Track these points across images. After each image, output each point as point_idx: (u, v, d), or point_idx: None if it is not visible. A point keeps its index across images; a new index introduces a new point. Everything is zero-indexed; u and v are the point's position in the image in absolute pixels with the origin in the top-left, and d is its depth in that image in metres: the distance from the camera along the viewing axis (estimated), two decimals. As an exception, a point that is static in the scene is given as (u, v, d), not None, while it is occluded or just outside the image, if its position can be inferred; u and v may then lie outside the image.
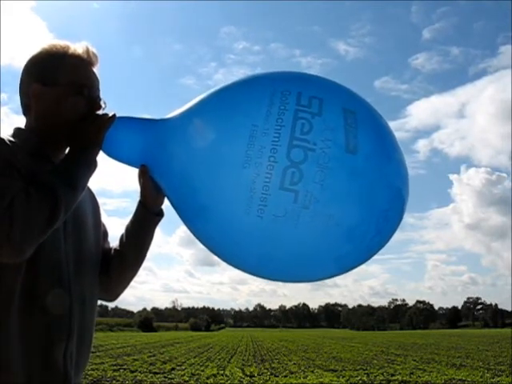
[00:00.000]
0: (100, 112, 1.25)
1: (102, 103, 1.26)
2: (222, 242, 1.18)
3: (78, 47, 1.27)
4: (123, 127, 1.23)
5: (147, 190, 1.27)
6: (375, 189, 1.11)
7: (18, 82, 1.26)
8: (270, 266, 1.18)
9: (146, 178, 1.25)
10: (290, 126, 1.07)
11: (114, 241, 1.41)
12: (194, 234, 1.22)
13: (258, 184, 1.06)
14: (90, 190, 1.38)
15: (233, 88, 1.20)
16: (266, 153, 1.06)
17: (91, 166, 1.17)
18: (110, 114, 1.22)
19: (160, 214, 1.34)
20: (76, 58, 1.25)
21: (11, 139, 1.15)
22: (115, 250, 1.38)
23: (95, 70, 1.28)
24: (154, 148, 1.22)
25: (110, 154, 1.24)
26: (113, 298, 1.44)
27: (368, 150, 1.11)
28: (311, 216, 1.06)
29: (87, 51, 1.27)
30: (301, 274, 1.22)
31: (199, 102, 1.20)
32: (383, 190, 1.13)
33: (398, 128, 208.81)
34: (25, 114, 1.25)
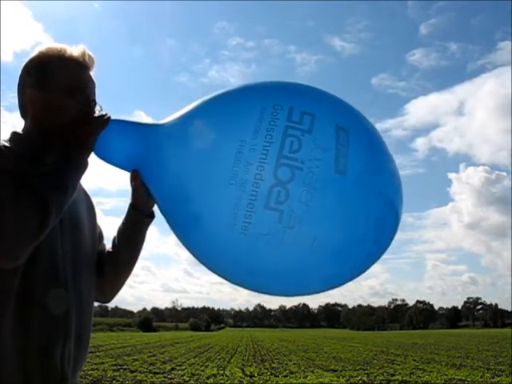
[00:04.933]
0: (95, 115, 1.24)
1: (97, 106, 1.26)
2: (206, 253, 1.17)
3: (74, 50, 1.26)
4: (116, 130, 1.22)
5: (138, 193, 1.28)
6: (366, 204, 1.08)
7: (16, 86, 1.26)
8: (253, 280, 1.17)
9: (137, 183, 1.25)
10: (278, 143, 1.04)
11: (110, 241, 1.41)
12: (181, 242, 1.21)
13: (243, 201, 1.04)
14: (84, 191, 1.38)
15: (225, 99, 1.18)
16: (252, 170, 1.04)
17: (81, 168, 1.17)
18: (105, 117, 1.22)
19: (151, 216, 1.34)
20: (71, 61, 1.24)
21: (5, 143, 1.16)
22: (108, 251, 1.38)
23: (91, 73, 1.28)
24: (146, 153, 1.20)
25: (102, 157, 1.24)
26: (107, 300, 1.44)
27: (359, 168, 1.09)
28: (295, 236, 1.04)
29: (83, 54, 1.26)
30: (286, 290, 1.21)
31: (192, 109, 1.19)
32: (375, 202, 1.10)
33: (396, 126, 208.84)
34: (22, 117, 1.26)
